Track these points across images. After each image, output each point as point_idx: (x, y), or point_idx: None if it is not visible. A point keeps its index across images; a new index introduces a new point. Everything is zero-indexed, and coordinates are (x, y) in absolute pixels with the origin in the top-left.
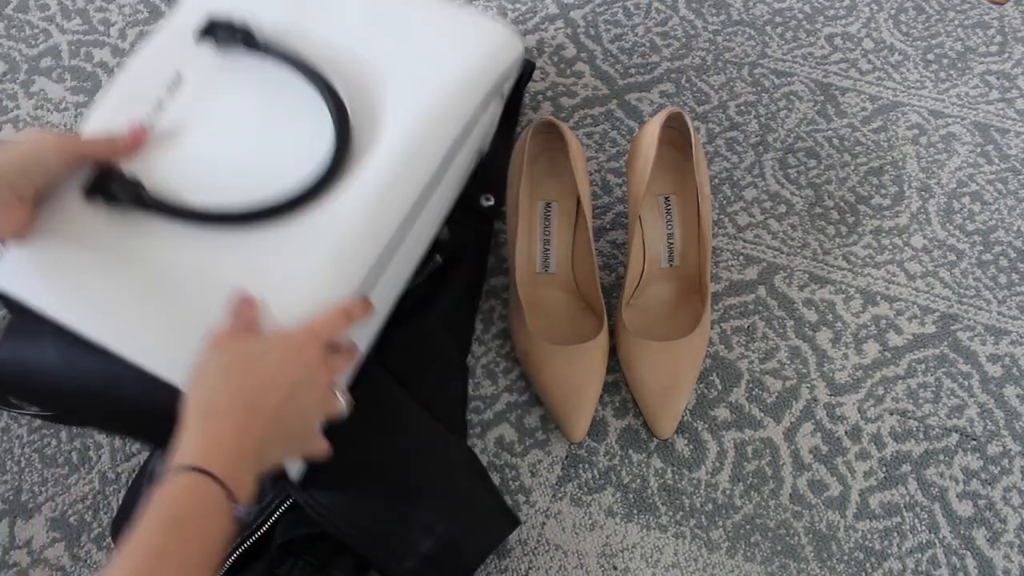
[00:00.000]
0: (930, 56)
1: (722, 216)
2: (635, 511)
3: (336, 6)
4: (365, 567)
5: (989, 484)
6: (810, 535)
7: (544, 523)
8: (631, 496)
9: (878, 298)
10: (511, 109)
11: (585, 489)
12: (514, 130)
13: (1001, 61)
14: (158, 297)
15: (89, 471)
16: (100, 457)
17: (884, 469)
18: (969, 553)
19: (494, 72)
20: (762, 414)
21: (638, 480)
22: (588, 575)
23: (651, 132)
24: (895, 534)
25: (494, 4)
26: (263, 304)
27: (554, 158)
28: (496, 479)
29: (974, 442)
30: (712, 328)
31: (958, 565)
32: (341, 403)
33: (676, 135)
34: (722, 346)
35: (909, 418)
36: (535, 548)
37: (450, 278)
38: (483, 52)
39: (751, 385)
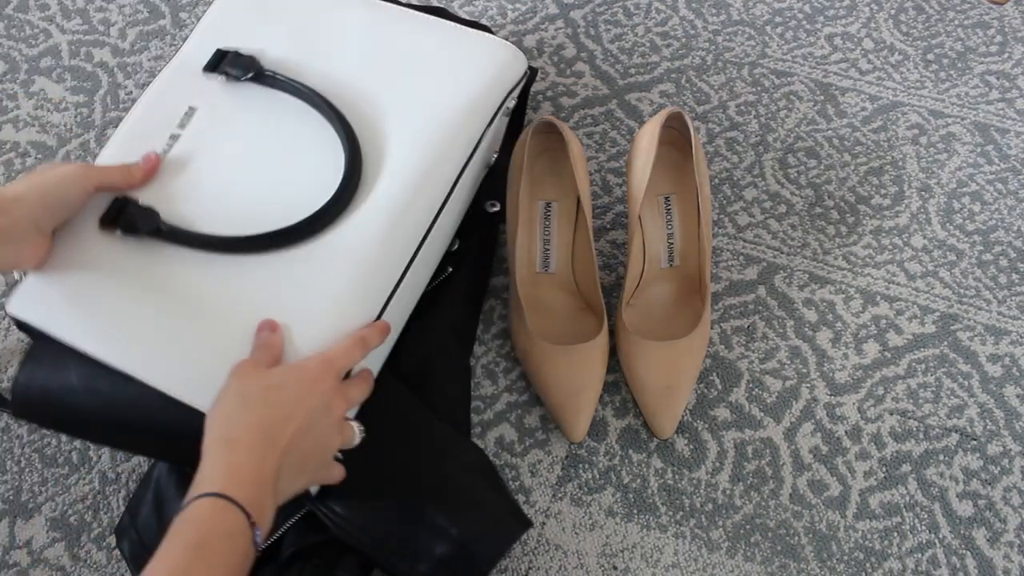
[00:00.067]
0: (930, 56)
1: (722, 216)
2: (635, 511)
3: (341, 33)
4: (370, 567)
5: (989, 484)
6: (810, 535)
7: (544, 523)
8: (631, 496)
9: (878, 298)
10: (515, 117)
11: (585, 489)
12: (517, 137)
13: (1001, 61)
14: (176, 323)
15: (89, 471)
16: (100, 457)
17: (884, 469)
18: (969, 553)
19: (500, 91)
20: (762, 414)
21: (638, 480)
22: (588, 575)
23: (651, 132)
24: (895, 534)
25: (494, 4)
26: (286, 331)
27: (554, 158)
28: None
29: (974, 442)
30: (712, 328)
31: (958, 565)
32: (355, 431)
33: (676, 135)
34: (722, 346)
35: (909, 418)
36: (535, 548)
37: (454, 281)
38: (489, 72)
39: (751, 385)
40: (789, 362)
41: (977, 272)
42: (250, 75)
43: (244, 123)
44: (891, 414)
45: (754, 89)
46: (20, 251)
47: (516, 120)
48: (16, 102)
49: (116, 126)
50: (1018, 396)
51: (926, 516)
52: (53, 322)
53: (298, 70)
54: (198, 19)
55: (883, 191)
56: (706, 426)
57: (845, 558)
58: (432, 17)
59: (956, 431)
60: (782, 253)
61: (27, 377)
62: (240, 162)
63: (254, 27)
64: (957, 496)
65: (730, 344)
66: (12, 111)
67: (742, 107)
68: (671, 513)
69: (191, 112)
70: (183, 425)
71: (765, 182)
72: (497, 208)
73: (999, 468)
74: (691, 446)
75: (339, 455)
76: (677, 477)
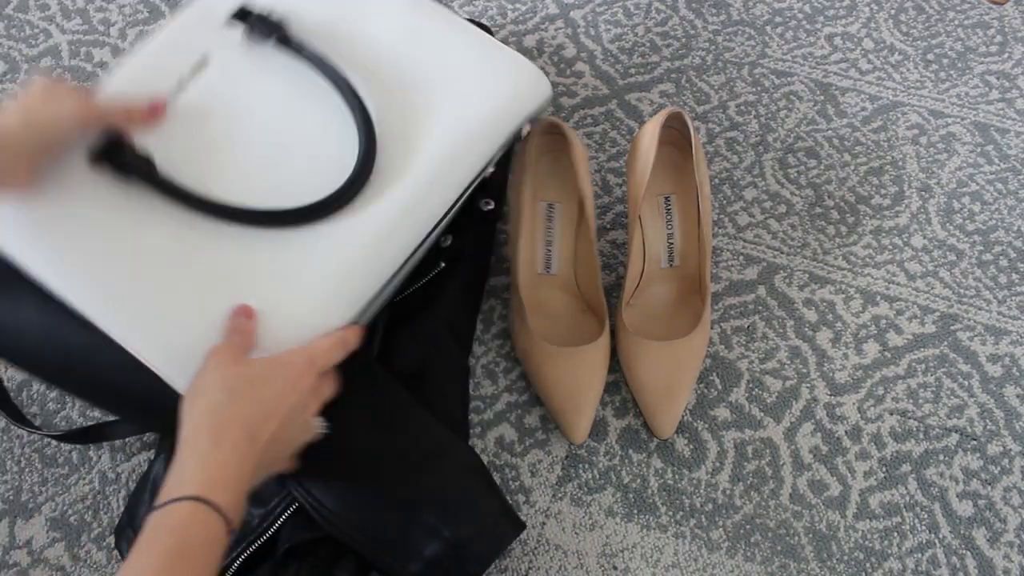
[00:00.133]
0: (930, 56)
1: (722, 216)
2: (635, 511)
3: (381, 19)
4: (368, 568)
5: (989, 484)
6: (810, 535)
7: (544, 523)
8: (631, 496)
9: (878, 298)
10: None
11: (585, 489)
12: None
13: (1001, 61)
14: (151, 278)
15: (89, 471)
16: (100, 457)
17: (884, 469)
18: (969, 553)
19: (523, 115)
20: (762, 414)
21: (638, 480)
22: (588, 575)
23: (651, 132)
24: (895, 534)
25: (494, 4)
26: (266, 316)
27: (557, 159)
28: (496, 479)
29: (974, 442)
30: (712, 328)
31: (958, 565)
32: (319, 427)
33: (676, 135)
34: (722, 346)
35: (909, 418)
36: (535, 548)
37: (451, 280)
38: (517, 94)
39: (751, 385)
40: (789, 362)
41: (977, 272)
42: (274, 38)
43: (258, 87)
44: (891, 414)
45: (754, 89)
46: (4, 181)
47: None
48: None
49: None
50: (1018, 396)
51: (926, 516)
52: (21, 248)
53: (326, 46)
54: None
55: (883, 191)
56: (706, 426)
57: (845, 558)
58: (473, 26)
59: (956, 431)
60: (782, 253)
61: None
62: (247, 128)
63: None
64: (957, 496)
65: (730, 344)
66: None
67: (742, 107)
68: (671, 513)
69: (205, 61)
70: (136, 385)
71: (765, 182)
72: (492, 206)
73: (999, 468)
74: (691, 446)
75: None
76: (677, 477)
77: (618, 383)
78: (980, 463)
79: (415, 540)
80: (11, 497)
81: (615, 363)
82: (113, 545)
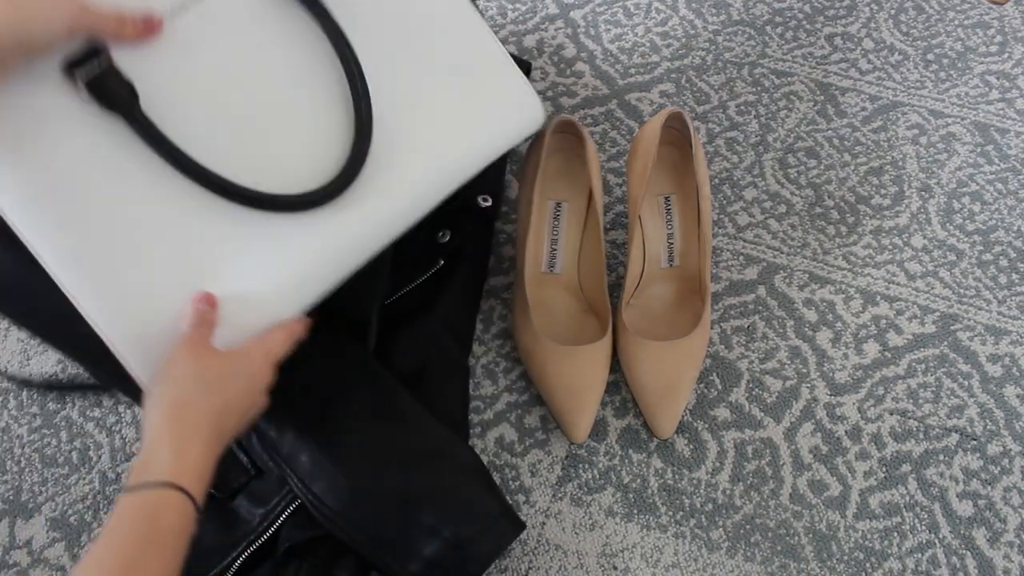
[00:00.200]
0: (930, 56)
1: (722, 216)
2: (635, 511)
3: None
4: (368, 568)
5: (989, 484)
6: (810, 535)
7: (544, 523)
8: (631, 496)
9: (878, 298)
10: None
11: (585, 489)
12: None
13: (1001, 61)
14: (118, 238)
15: (89, 471)
16: (100, 457)
17: (884, 469)
18: (969, 553)
19: (516, 139)
20: (762, 414)
21: (638, 480)
22: (588, 575)
23: (651, 132)
24: (895, 534)
25: (494, 4)
26: (230, 300)
27: (567, 158)
28: (496, 479)
29: (974, 442)
30: (712, 328)
31: (958, 565)
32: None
33: (676, 135)
34: (722, 346)
35: (909, 418)
36: (535, 548)
37: (450, 280)
38: (514, 121)
39: (751, 385)
40: (789, 362)
41: (977, 272)
42: None
43: (260, 36)
44: (891, 414)
45: (754, 89)
46: None
47: None
48: None
49: None
50: (1018, 396)
51: (926, 516)
52: None
53: (347, 14)
54: None
55: (883, 191)
56: (706, 426)
57: (845, 558)
58: (489, 38)
59: (956, 431)
60: (782, 253)
61: None
62: (238, 77)
63: None
64: (957, 496)
65: (730, 344)
66: None
67: (742, 107)
68: (671, 513)
69: None
70: (64, 324)
71: (765, 182)
72: (490, 203)
73: (999, 468)
74: (691, 446)
75: None
76: (677, 477)
77: (618, 383)
78: (980, 463)
79: (415, 540)
80: (11, 497)
81: (615, 363)
82: None
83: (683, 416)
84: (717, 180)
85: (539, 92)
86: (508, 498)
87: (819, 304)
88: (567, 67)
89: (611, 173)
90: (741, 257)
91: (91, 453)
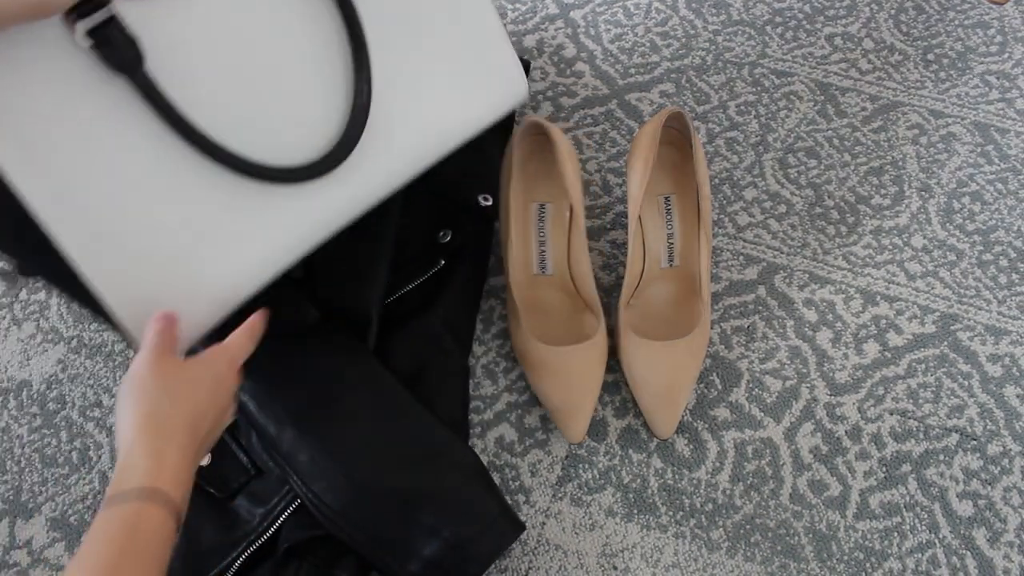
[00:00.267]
0: (930, 56)
1: (722, 216)
2: (635, 511)
3: None
4: (368, 568)
5: (989, 484)
6: (810, 535)
7: (544, 523)
8: (631, 496)
9: (878, 298)
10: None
11: (585, 489)
12: (511, 133)
13: (1001, 61)
14: (103, 183)
15: (89, 471)
16: (100, 457)
17: (884, 469)
18: (969, 553)
19: (501, 112)
20: (762, 414)
21: (638, 480)
22: (588, 575)
23: (651, 132)
24: (895, 534)
25: (494, 4)
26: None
27: (546, 159)
28: (496, 479)
29: (974, 442)
30: (712, 328)
31: (958, 565)
32: (232, 417)
33: (676, 135)
34: (722, 346)
35: (909, 418)
36: (535, 548)
37: (450, 278)
38: (501, 92)
39: (751, 385)
40: (789, 362)
41: (977, 272)
42: None
43: (266, 6)
44: (891, 414)
45: (754, 89)
46: None
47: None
48: None
49: None
50: (1018, 396)
51: (926, 516)
52: None
53: None
54: None
55: (883, 191)
56: (706, 426)
57: (845, 558)
58: (495, 16)
59: (956, 431)
60: (782, 253)
61: None
62: (244, 39)
63: None
64: (957, 496)
65: (730, 344)
66: None
67: (742, 107)
68: (671, 513)
69: None
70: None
71: (765, 182)
72: (490, 202)
73: (999, 468)
74: (691, 446)
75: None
76: (677, 477)
77: (618, 383)
78: (980, 463)
79: (415, 540)
80: (11, 497)
81: (615, 363)
82: None
83: (683, 416)
84: (717, 180)
85: (539, 92)
86: (508, 498)
87: (819, 304)
88: (567, 67)
89: (611, 173)
90: (741, 257)
91: (91, 453)
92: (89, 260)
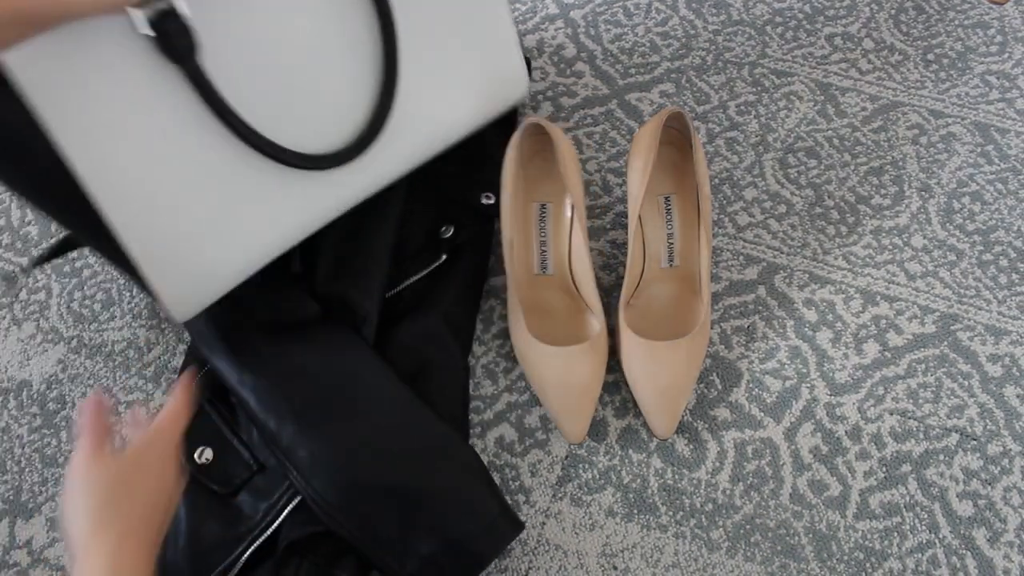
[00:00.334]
0: (930, 56)
1: (722, 216)
2: (635, 511)
3: None
4: (368, 568)
5: (989, 484)
6: (810, 535)
7: (544, 523)
8: (631, 496)
9: (878, 298)
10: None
11: (585, 489)
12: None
13: (1001, 61)
14: (145, 156)
15: None
16: None
17: (884, 469)
18: (969, 553)
19: (502, 109)
20: (762, 414)
21: (638, 480)
22: (588, 575)
23: (651, 132)
24: (895, 534)
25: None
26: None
27: (547, 159)
28: (496, 479)
29: (974, 442)
30: (712, 328)
31: (958, 565)
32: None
33: (676, 135)
34: (722, 346)
35: (909, 418)
36: (535, 548)
37: (450, 277)
38: (506, 91)
39: (751, 385)
40: (789, 362)
41: (977, 272)
42: None
43: (308, 5)
44: (891, 414)
45: (754, 89)
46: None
47: (510, 116)
48: None
49: None
50: (1018, 396)
51: (926, 516)
52: (32, 82)
53: None
54: None
55: (883, 191)
56: (706, 426)
57: (845, 558)
58: (510, 23)
59: (956, 431)
60: (782, 253)
61: None
62: (282, 38)
63: None
64: (957, 496)
65: (730, 344)
66: None
67: (742, 107)
68: (671, 513)
69: None
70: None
71: (765, 182)
72: (492, 200)
73: (999, 468)
74: (691, 446)
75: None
76: (677, 477)
77: (618, 383)
78: (980, 463)
79: (413, 537)
80: (11, 497)
81: (615, 363)
82: None
83: (683, 416)
84: (717, 180)
85: (539, 92)
86: (508, 498)
87: (819, 304)
88: (567, 67)
89: (611, 173)
90: (741, 257)
91: None
92: (130, 231)
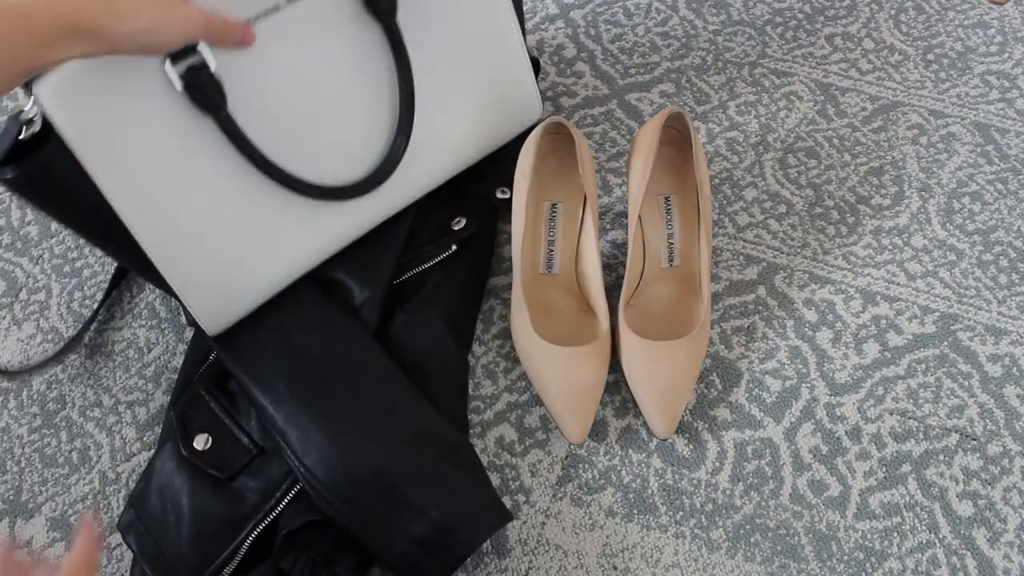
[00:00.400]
0: (930, 56)
1: (722, 216)
2: (635, 511)
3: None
4: (368, 564)
5: (989, 484)
6: (810, 535)
7: (544, 523)
8: (631, 496)
9: (878, 298)
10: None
11: (585, 489)
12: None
13: (1001, 61)
14: (177, 192)
15: (89, 471)
16: (100, 457)
17: (884, 469)
18: (969, 553)
19: (515, 134)
20: (762, 414)
21: (638, 480)
22: (588, 575)
23: (651, 132)
24: (895, 534)
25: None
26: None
27: (562, 159)
28: (496, 479)
29: (974, 442)
30: (712, 328)
31: (958, 565)
32: None
33: (676, 135)
34: (722, 346)
35: (909, 418)
36: (535, 548)
37: (453, 274)
38: (519, 118)
39: (751, 385)
40: (789, 362)
41: (977, 272)
42: (375, 6)
43: (328, 48)
44: (891, 414)
45: (754, 89)
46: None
47: None
48: (16, 100)
49: None
50: (1018, 396)
51: (926, 516)
52: (76, 133)
53: (408, 27)
54: None
55: (883, 191)
56: (706, 426)
57: (845, 558)
58: (524, 57)
59: (956, 431)
60: (782, 253)
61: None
62: (306, 80)
63: None
64: (957, 496)
65: (730, 344)
66: (12, 109)
67: (742, 107)
68: (671, 513)
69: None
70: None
71: (765, 182)
72: (508, 195)
73: (999, 468)
74: (691, 446)
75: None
76: (677, 477)
77: (618, 383)
78: (980, 463)
79: (403, 519)
80: (11, 497)
81: (615, 363)
82: (114, 545)
83: (683, 416)
84: (717, 180)
85: (539, 92)
86: (508, 498)
87: (819, 304)
88: (567, 67)
89: (611, 173)
90: (741, 257)
91: (91, 453)
92: (166, 260)
